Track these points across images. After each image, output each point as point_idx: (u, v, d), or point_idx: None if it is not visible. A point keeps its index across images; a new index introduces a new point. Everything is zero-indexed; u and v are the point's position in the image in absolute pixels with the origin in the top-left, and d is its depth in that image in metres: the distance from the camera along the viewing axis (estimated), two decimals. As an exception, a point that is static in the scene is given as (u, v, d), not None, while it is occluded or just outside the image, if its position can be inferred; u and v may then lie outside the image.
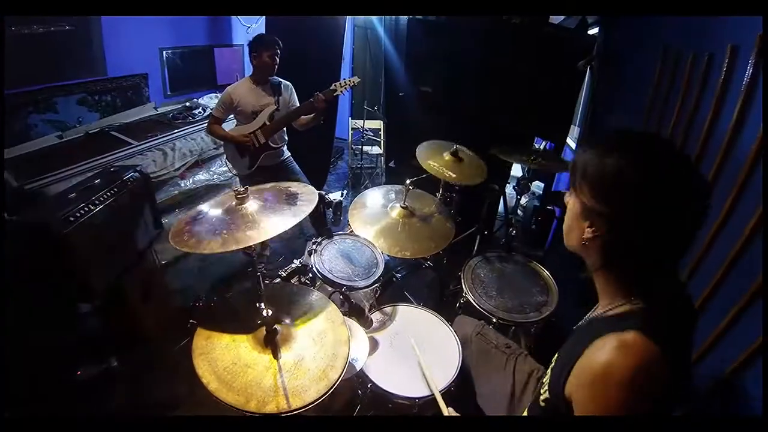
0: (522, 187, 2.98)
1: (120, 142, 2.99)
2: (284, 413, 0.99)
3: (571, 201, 0.87)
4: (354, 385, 1.51)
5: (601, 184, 0.78)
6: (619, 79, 2.61)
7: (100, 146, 2.87)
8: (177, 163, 3.13)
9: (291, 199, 1.37)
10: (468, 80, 2.96)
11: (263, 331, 1.13)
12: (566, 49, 2.70)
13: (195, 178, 3.29)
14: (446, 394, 1.42)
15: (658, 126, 1.94)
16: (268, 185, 1.56)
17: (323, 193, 1.70)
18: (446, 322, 1.73)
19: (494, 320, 1.79)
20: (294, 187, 1.47)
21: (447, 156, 2.22)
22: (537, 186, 3.81)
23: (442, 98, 3.08)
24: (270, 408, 1.00)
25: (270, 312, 1.09)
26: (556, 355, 1.03)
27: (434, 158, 2.19)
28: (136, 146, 2.98)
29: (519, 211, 3.80)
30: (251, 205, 1.29)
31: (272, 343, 1.12)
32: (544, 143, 3.44)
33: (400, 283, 2.44)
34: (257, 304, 1.11)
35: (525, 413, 1.14)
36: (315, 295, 1.33)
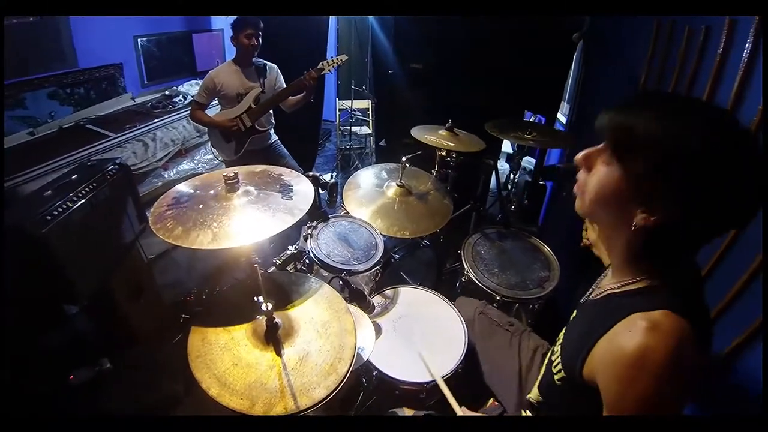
0: (515, 162, 2.88)
1: (97, 135, 2.77)
2: (293, 414, 0.88)
3: (605, 175, 0.71)
4: (357, 373, 1.41)
5: (676, 156, 0.62)
6: (611, 53, 2.49)
7: (76, 141, 2.66)
8: (159, 153, 2.94)
9: (285, 191, 1.25)
10: (458, 55, 2.81)
11: (263, 326, 1.01)
12: (558, 22, 2.57)
13: (179, 168, 3.10)
14: (454, 375, 1.34)
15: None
16: (259, 168, 1.44)
17: (317, 174, 1.56)
18: (449, 302, 1.63)
19: (498, 298, 1.70)
20: (286, 176, 1.34)
21: (443, 132, 2.10)
22: (527, 161, 3.72)
23: (433, 74, 2.93)
24: (278, 410, 0.88)
25: (270, 305, 0.97)
26: (563, 331, 0.95)
27: (430, 134, 2.07)
28: (114, 138, 2.78)
29: (510, 187, 3.71)
30: (243, 194, 1.18)
31: (274, 339, 1.00)
32: (533, 117, 3.35)
33: (398, 264, 2.34)
34: (255, 298, 0.98)
35: (534, 391, 1.06)
36: (314, 283, 1.20)
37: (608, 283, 0.82)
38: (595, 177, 0.72)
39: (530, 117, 3.38)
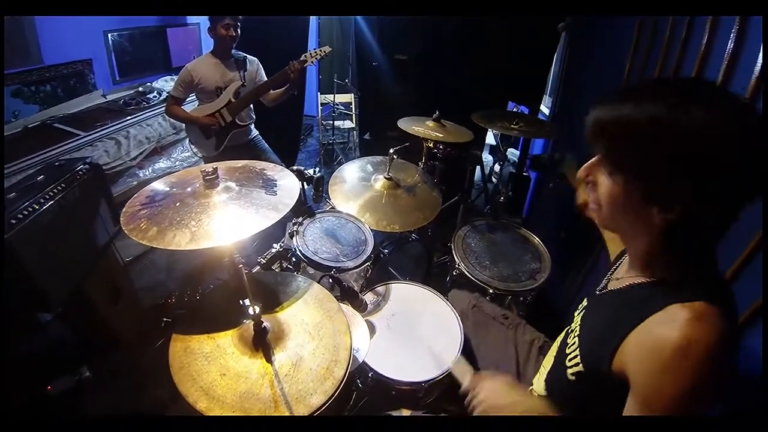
0: (500, 154, 2.84)
1: (65, 135, 2.59)
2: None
3: (610, 186, 0.67)
4: (352, 373, 1.33)
5: (670, 143, 0.59)
6: (595, 45, 2.47)
7: (43, 141, 2.48)
8: (133, 151, 2.78)
9: (269, 186, 1.17)
10: (443, 46, 2.75)
11: (251, 331, 0.92)
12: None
13: (155, 167, 2.94)
14: (449, 374, 1.27)
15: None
16: (240, 163, 1.35)
17: (302, 168, 1.47)
18: (442, 297, 1.57)
19: (491, 291, 1.65)
20: (269, 171, 1.26)
21: (430, 123, 2.03)
22: (512, 153, 3.70)
23: (418, 65, 2.86)
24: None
25: (257, 309, 0.88)
26: (578, 324, 0.89)
27: (418, 125, 2.00)
28: (84, 137, 2.61)
29: (493, 179, 3.69)
30: (223, 190, 1.09)
31: (263, 345, 0.92)
32: (515, 108, 3.32)
33: (385, 259, 2.28)
34: (241, 301, 0.89)
35: (539, 385, 1.01)
36: (303, 282, 1.12)
37: (630, 275, 0.79)
38: (602, 192, 0.70)
39: (513, 108, 3.35)
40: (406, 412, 1.21)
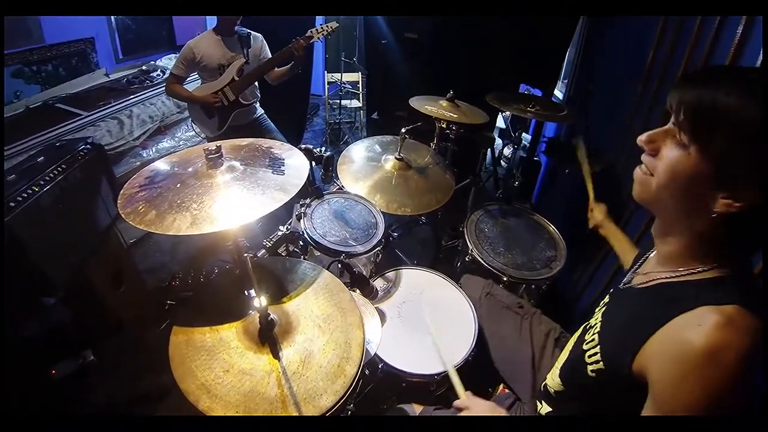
0: (515, 138, 2.71)
1: (68, 115, 2.48)
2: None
3: (680, 158, 0.61)
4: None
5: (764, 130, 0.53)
6: (616, 29, 2.29)
7: (45, 121, 2.37)
8: (136, 131, 2.66)
9: (276, 165, 1.06)
10: (455, 25, 2.56)
11: (256, 324, 0.83)
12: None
13: (158, 147, 2.81)
14: (464, 365, 1.20)
15: (659, 83, 1.67)
16: (245, 141, 1.24)
17: (310, 147, 1.36)
18: (454, 283, 1.48)
19: (504, 279, 1.56)
20: (276, 149, 1.15)
21: (444, 102, 1.90)
22: (523, 137, 3.55)
23: (428, 44, 2.69)
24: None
25: (264, 300, 0.79)
26: (598, 320, 0.82)
27: (430, 104, 1.87)
28: (87, 117, 2.49)
29: (503, 162, 3.56)
30: (227, 170, 0.99)
31: (270, 339, 0.82)
32: (527, 90, 3.16)
33: (394, 243, 2.18)
34: (246, 292, 0.80)
35: (555, 379, 0.94)
36: (311, 269, 1.02)
37: (658, 271, 0.73)
38: (665, 161, 0.63)
39: (525, 90, 3.19)
40: (417, 407, 1.13)
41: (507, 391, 1.26)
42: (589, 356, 0.78)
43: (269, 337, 0.82)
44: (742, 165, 0.56)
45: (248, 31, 2.31)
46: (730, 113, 0.55)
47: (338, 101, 3.95)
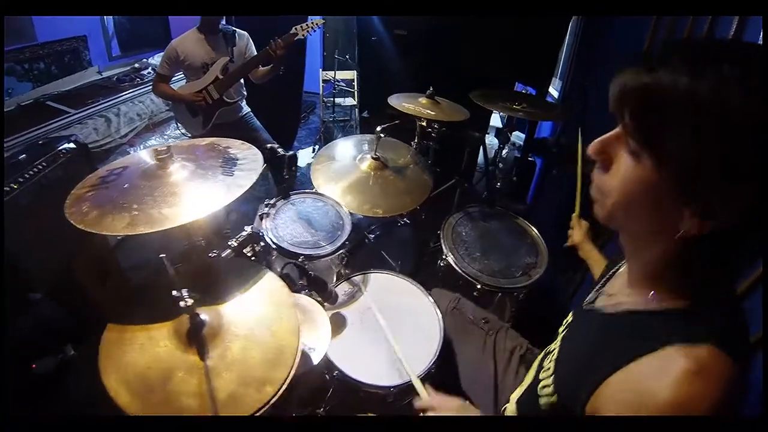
0: (503, 136, 2.67)
1: (57, 112, 2.55)
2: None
3: (632, 169, 0.50)
4: (321, 371, 1.24)
5: (738, 124, 0.41)
6: (610, 24, 2.25)
7: (35, 119, 2.43)
8: (123, 129, 2.70)
9: (228, 164, 1.07)
10: (446, 22, 2.54)
11: (187, 323, 0.83)
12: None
13: (146, 144, 2.85)
14: (426, 377, 1.16)
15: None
16: (204, 141, 1.26)
17: (275, 146, 1.35)
18: (425, 291, 1.44)
19: (478, 286, 1.52)
20: (235, 149, 1.16)
21: (423, 100, 1.88)
22: (517, 136, 3.50)
23: (418, 41, 2.66)
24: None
25: (190, 300, 0.78)
26: (557, 345, 0.76)
27: (409, 102, 1.85)
28: (73, 115, 2.55)
29: (499, 163, 3.51)
30: (177, 171, 1.00)
31: (198, 340, 0.82)
32: (524, 89, 3.11)
33: (376, 244, 2.16)
34: (173, 292, 0.79)
35: (512, 405, 0.89)
36: (256, 270, 1.02)
37: (625, 295, 0.63)
38: (618, 174, 0.52)
39: (522, 90, 3.15)
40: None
41: None
42: (542, 387, 0.72)
43: (198, 337, 0.82)
44: (708, 171, 0.44)
45: (233, 29, 2.33)
46: (679, 101, 0.43)
47: (332, 99, 3.96)
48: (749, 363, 0.54)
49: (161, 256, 0.76)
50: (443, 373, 1.22)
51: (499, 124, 3.53)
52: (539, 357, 0.87)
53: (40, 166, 1.77)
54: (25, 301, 1.75)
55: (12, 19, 2.53)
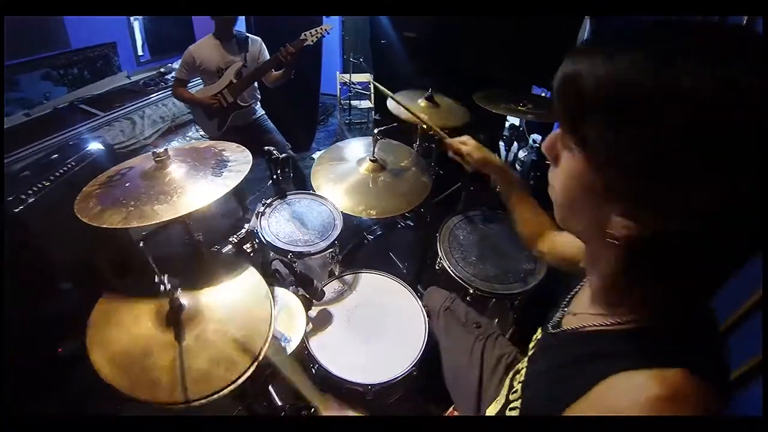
0: (519, 138, 2.65)
1: (88, 115, 2.80)
2: (181, 404, 0.80)
3: (568, 166, 0.49)
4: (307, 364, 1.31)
5: (657, 114, 0.37)
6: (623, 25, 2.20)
7: (68, 121, 2.70)
8: (147, 131, 2.93)
9: (219, 166, 1.17)
10: (457, 24, 2.57)
11: (167, 306, 0.93)
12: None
13: (169, 146, 3.06)
14: (408, 378, 1.22)
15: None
16: (204, 144, 1.38)
17: (271, 148, 1.45)
18: (413, 293, 1.49)
19: (471, 291, 1.53)
20: (230, 152, 1.26)
21: (422, 102, 1.93)
22: (534, 138, 3.46)
23: (428, 44, 2.71)
24: (162, 397, 0.80)
25: (169, 285, 0.88)
26: (524, 366, 0.75)
27: (408, 103, 1.90)
28: (102, 117, 2.80)
29: (517, 166, 3.48)
30: (174, 171, 1.12)
31: (176, 322, 0.91)
32: (543, 93, 3.08)
33: (382, 245, 2.22)
34: (155, 278, 0.89)
35: (494, 406, 0.90)
36: (239, 264, 1.11)
37: (588, 313, 0.60)
38: (561, 170, 0.51)
39: (541, 93, 3.11)
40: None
41: (456, 414, 1.24)
42: (510, 410, 0.72)
43: (176, 320, 0.91)
44: (626, 168, 0.41)
45: (247, 34, 2.47)
46: (591, 87, 0.41)
47: (348, 101, 4.10)
48: (728, 385, 0.49)
49: (140, 244, 0.85)
50: (432, 369, 1.26)
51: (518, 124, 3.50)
52: (509, 375, 0.86)
53: (69, 166, 1.95)
54: (56, 291, 1.93)
55: (48, 27, 2.78)
